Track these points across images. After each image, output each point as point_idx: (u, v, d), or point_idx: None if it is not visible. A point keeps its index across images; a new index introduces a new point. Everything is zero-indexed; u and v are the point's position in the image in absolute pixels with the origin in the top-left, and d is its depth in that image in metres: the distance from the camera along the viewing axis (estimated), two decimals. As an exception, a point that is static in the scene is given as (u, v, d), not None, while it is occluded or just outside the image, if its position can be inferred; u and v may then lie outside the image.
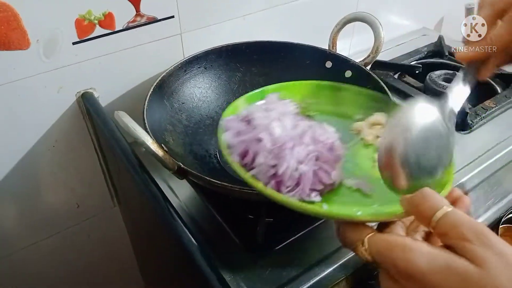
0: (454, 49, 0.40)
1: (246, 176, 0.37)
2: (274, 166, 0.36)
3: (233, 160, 0.38)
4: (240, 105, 0.47)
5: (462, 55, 0.38)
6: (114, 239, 0.86)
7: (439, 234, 0.27)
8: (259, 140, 0.37)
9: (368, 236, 0.30)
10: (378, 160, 0.34)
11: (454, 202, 0.32)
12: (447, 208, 0.28)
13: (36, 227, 0.73)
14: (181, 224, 0.42)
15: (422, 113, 0.33)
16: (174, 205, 0.58)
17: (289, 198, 0.35)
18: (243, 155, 0.38)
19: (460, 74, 0.38)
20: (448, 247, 0.27)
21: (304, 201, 0.36)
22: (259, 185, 0.36)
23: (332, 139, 0.40)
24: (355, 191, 0.39)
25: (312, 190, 0.37)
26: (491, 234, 0.25)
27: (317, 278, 0.48)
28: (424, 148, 0.32)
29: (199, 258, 0.39)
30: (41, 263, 0.78)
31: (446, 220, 0.27)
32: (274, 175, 0.36)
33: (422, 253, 0.26)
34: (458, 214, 0.27)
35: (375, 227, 0.33)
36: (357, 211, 0.33)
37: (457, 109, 0.36)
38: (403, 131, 0.31)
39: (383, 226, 0.32)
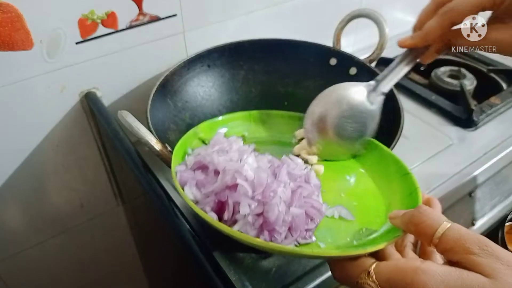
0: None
1: (235, 233, 0.33)
2: (259, 214, 0.32)
3: (210, 218, 0.33)
4: (178, 152, 0.44)
5: (402, 42, 0.44)
6: (118, 238, 0.86)
7: (443, 250, 0.27)
8: (233, 187, 0.33)
9: (373, 266, 0.29)
10: (305, 123, 0.42)
11: (426, 204, 0.33)
12: (447, 223, 0.28)
13: (41, 227, 0.73)
14: (185, 223, 0.42)
15: (350, 90, 0.41)
16: (178, 203, 0.58)
17: (286, 247, 0.33)
18: (219, 208, 0.34)
19: (397, 58, 0.45)
20: (453, 263, 0.26)
21: (300, 244, 0.35)
22: (256, 240, 0.33)
23: (305, 170, 0.39)
24: (339, 220, 0.38)
25: (307, 230, 0.35)
26: (494, 245, 0.26)
27: (322, 278, 0.48)
28: (346, 118, 0.40)
29: (204, 258, 0.39)
30: (46, 263, 0.78)
31: (449, 236, 0.27)
32: (263, 224, 0.32)
33: (436, 274, 0.26)
34: (459, 228, 0.27)
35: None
36: (353, 241, 0.34)
37: (386, 90, 0.43)
38: (332, 102, 0.39)
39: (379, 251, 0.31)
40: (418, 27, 0.42)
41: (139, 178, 0.48)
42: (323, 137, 0.42)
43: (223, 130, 0.51)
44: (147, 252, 0.84)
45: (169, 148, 0.49)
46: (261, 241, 0.32)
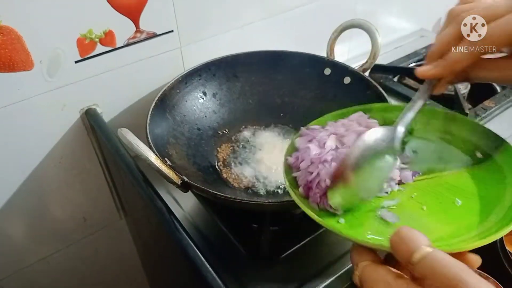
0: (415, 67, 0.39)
1: (286, 178, 0.39)
2: (311, 173, 0.38)
3: (286, 160, 0.40)
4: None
5: (424, 73, 0.38)
6: (121, 251, 0.87)
7: (419, 277, 0.26)
8: (308, 148, 0.40)
9: (362, 263, 0.29)
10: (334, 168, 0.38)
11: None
12: (425, 248, 0.26)
13: (45, 242, 0.74)
14: (186, 237, 0.43)
15: (378, 141, 0.36)
16: (179, 216, 0.59)
17: (309, 209, 0.35)
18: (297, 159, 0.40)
19: (415, 96, 0.39)
20: None
21: (323, 211, 0.36)
22: (293, 191, 0.37)
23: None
24: (380, 219, 0.36)
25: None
26: (471, 279, 0.24)
27: (323, 286, 0.48)
28: (368, 171, 0.35)
29: (205, 270, 0.40)
30: (50, 277, 0.79)
31: (424, 264, 0.26)
32: (308, 181, 0.37)
33: None
34: (437, 256, 0.25)
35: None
36: (368, 234, 0.33)
37: (404, 129, 0.38)
38: (358, 153, 0.35)
39: (391, 258, 0.31)
40: (437, 55, 0.37)
41: (139, 193, 0.49)
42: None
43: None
44: (151, 263, 0.85)
45: (168, 163, 0.50)
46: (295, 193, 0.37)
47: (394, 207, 0.37)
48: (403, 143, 0.41)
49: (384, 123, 0.43)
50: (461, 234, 0.33)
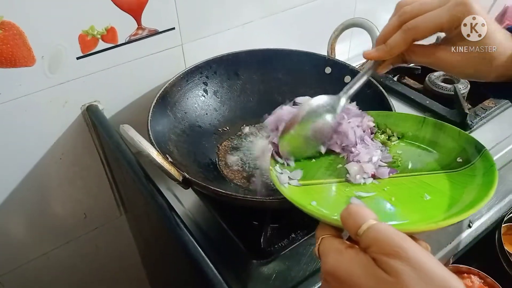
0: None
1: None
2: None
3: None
4: None
5: (368, 54, 0.46)
6: (121, 248, 0.87)
7: (363, 247, 0.29)
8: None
9: (322, 236, 0.32)
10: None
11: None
12: (371, 221, 0.29)
13: (45, 238, 0.74)
14: (187, 233, 0.43)
15: (321, 106, 0.45)
16: (179, 212, 0.59)
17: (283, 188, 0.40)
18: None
19: (362, 70, 0.47)
20: (374, 259, 0.28)
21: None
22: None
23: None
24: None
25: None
26: (410, 246, 0.26)
27: (322, 282, 0.49)
28: (311, 127, 0.44)
29: (206, 267, 0.40)
30: (50, 274, 0.79)
31: (368, 234, 0.28)
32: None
33: (348, 256, 0.29)
34: (380, 227, 0.28)
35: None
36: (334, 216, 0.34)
37: (346, 97, 0.46)
38: (303, 111, 0.43)
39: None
40: (381, 40, 0.44)
41: (140, 189, 0.49)
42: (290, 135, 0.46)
43: None
44: (151, 259, 0.85)
45: (169, 159, 0.50)
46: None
47: (366, 197, 0.40)
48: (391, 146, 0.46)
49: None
50: (416, 220, 0.36)
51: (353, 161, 0.44)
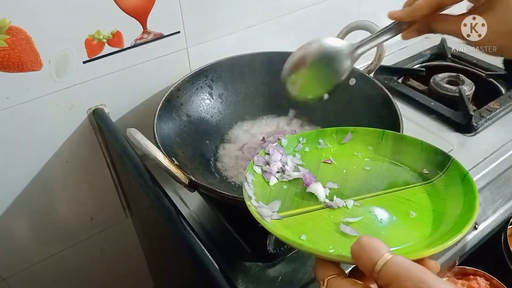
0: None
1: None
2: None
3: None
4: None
5: (392, 14, 0.45)
6: (127, 250, 0.87)
7: (383, 286, 0.26)
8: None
9: (329, 277, 0.29)
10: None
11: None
12: (388, 255, 0.27)
13: (51, 241, 0.75)
14: (193, 236, 0.43)
15: (333, 47, 0.46)
16: (185, 215, 0.59)
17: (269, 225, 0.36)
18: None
19: (383, 28, 0.46)
20: None
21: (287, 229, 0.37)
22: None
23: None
24: (340, 234, 0.37)
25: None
26: (433, 281, 0.25)
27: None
28: (321, 65, 0.45)
29: (212, 269, 0.40)
30: (56, 276, 0.80)
31: (387, 271, 0.26)
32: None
33: None
34: (399, 261, 0.26)
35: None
36: (329, 249, 0.33)
37: (362, 50, 0.46)
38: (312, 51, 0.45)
39: (358, 271, 0.30)
40: (409, 3, 0.44)
41: (147, 192, 0.49)
42: (299, 72, 0.48)
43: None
44: (156, 262, 0.85)
45: (175, 162, 0.50)
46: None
47: (354, 222, 0.37)
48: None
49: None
50: (416, 243, 0.34)
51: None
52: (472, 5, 0.42)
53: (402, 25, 0.45)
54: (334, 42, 0.46)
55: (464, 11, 0.42)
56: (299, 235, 0.35)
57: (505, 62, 0.48)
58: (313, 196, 0.40)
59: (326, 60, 0.44)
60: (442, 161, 0.41)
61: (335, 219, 0.38)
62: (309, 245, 0.32)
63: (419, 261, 0.29)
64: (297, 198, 0.41)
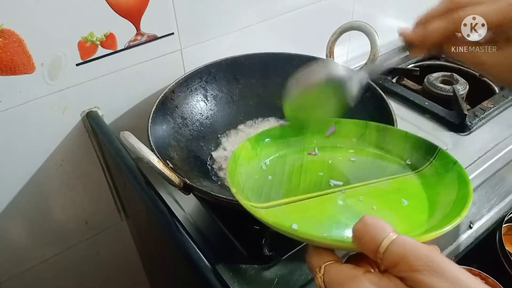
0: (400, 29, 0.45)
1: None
2: None
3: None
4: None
5: (404, 33, 0.44)
6: (123, 253, 0.87)
7: (388, 267, 0.25)
8: None
9: (326, 264, 0.28)
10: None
11: None
12: (393, 235, 0.25)
13: (46, 245, 0.74)
14: (188, 239, 0.43)
15: (332, 72, 0.43)
16: (180, 217, 0.60)
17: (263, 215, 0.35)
18: None
19: (393, 50, 0.45)
20: (402, 279, 0.24)
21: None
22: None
23: None
24: (334, 221, 0.37)
25: None
26: (441, 259, 0.24)
27: None
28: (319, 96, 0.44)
29: (207, 272, 0.40)
30: (51, 280, 0.79)
31: (392, 251, 0.25)
32: None
33: (373, 284, 0.25)
34: (405, 241, 0.25)
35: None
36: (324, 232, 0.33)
37: (367, 75, 0.45)
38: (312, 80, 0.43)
39: (354, 258, 0.29)
40: (423, 21, 0.42)
41: (141, 195, 0.49)
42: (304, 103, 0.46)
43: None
44: (152, 265, 0.85)
45: (170, 165, 0.50)
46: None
47: (346, 211, 0.37)
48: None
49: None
50: (413, 230, 0.34)
51: None
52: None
53: (412, 43, 0.43)
54: (343, 71, 0.43)
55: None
56: (290, 224, 0.34)
57: None
58: (300, 186, 0.40)
59: (334, 92, 0.42)
60: (429, 151, 0.42)
61: (325, 209, 0.38)
62: (304, 230, 0.31)
63: None
64: (283, 188, 0.40)
